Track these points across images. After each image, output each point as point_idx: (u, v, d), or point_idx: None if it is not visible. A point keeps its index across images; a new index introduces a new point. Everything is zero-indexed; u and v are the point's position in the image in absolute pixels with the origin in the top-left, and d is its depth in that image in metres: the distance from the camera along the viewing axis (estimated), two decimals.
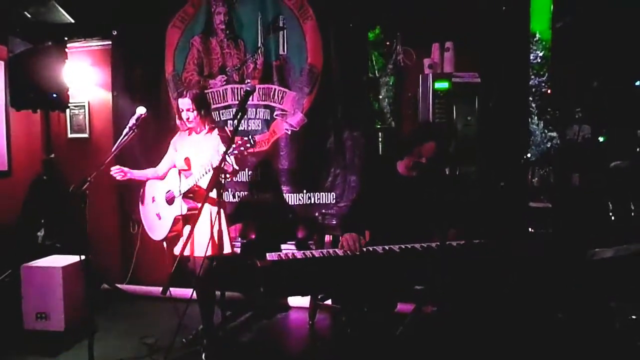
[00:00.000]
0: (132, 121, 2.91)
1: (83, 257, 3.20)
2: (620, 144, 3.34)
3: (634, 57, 3.31)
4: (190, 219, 2.97)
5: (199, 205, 2.92)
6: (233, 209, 4.01)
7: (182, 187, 2.94)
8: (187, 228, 3.01)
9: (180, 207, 2.96)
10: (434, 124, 3.46)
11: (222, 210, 2.59)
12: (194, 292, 3.00)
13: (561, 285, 2.39)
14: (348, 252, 2.38)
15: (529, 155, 3.62)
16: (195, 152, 3.01)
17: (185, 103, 2.99)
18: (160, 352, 3.08)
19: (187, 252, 2.96)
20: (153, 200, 3.15)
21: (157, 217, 3.12)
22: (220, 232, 2.52)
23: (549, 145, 3.64)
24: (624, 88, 3.43)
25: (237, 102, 4.03)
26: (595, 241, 2.48)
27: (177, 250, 3.06)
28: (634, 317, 2.32)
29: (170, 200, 3.03)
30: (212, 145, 2.97)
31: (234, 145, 2.54)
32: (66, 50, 3.93)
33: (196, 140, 3.07)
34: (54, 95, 3.79)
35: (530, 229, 2.65)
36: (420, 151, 2.62)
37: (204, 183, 2.95)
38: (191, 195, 3.00)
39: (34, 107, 3.91)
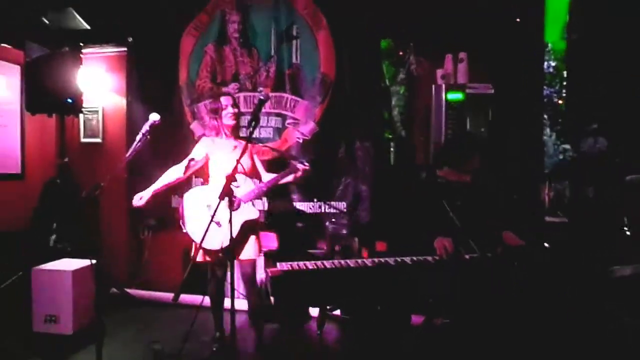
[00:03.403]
0: (146, 127, 2.91)
1: (94, 261, 3.21)
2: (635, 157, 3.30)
3: None
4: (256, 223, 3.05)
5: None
6: None
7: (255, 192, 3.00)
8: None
9: (250, 210, 3.00)
10: (475, 135, 3.40)
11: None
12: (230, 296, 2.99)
13: (576, 299, 2.35)
14: (443, 256, 2.38)
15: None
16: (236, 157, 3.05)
17: (228, 100, 3.11)
18: (168, 358, 3.07)
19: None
20: (209, 207, 3.00)
21: (216, 225, 2.92)
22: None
23: (561, 157, 3.61)
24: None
25: (249, 110, 4.05)
26: (610, 257, 2.45)
27: (247, 255, 3.04)
28: None
29: (237, 206, 2.98)
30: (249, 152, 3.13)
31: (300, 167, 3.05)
32: (81, 55, 3.98)
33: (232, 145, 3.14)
34: (69, 100, 3.82)
35: (545, 244, 2.62)
36: (466, 164, 2.62)
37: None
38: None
39: (49, 111, 3.95)
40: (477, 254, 2.41)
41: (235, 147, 3.11)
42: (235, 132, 3.16)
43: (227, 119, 3.09)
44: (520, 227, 2.53)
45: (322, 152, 3.98)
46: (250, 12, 4.08)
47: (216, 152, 3.11)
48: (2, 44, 4.11)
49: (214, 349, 3.17)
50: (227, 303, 3.13)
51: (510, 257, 2.36)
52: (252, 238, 3.05)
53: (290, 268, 2.31)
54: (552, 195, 3.36)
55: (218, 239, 2.83)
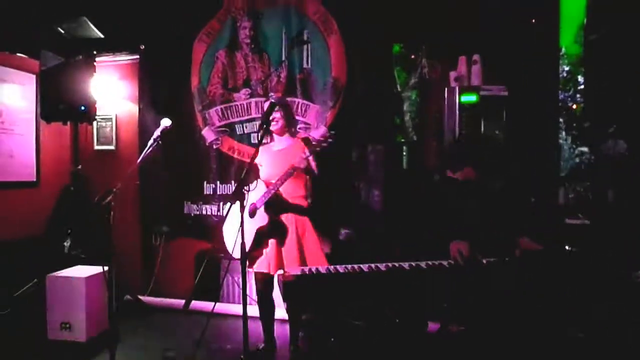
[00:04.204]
0: (157, 133, 2.93)
1: (106, 267, 3.20)
2: None
3: None
4: (273, 230, 2.93)
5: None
6: None
7: (265, 196, 2.91)
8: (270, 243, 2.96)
9: (261, 216, 2.92)
10: (471, 146, 3.32)
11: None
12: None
13: (600, 304, 2.28)
14: (458, 262, 2.33)
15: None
16: (275, 160, 3.05)
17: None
18: None
19: (263, 269, 2.96)
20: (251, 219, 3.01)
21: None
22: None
23: (577, 161, 3.53)
24: None
25: (260, 116, 4.04)
26: (634, 261, 2.37)
27: (259, 267, 2.97)
28: None
29: (252, 213, 2.96)
30: (293, 152, 3.06)
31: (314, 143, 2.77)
32: (95, 64, 4.02)
33: (275, 149, 3.13)
34: (83, 108, 3.86)
35: (567, 247, 2.56)
36: (482, 166, 2.60)
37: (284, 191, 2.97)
38: (271, 206, 2.94)
39: (64, 119, 3.99)
40: (494, 258, 2.35)
41: (282, 149, 3.11)
42: (289, 133, 3.16)
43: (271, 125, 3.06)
44: (538, 230, 2.46)
45: (334, 157, 3.94)
46: (261, 18, 4.09)
47: (266, 159, 3.11)
48: (18, 54, 4.18)
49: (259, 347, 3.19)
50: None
51: (529, 262, 2.30)
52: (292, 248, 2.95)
53: (302, 272, 2.27)
54: (572, 197, 3.27)
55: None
